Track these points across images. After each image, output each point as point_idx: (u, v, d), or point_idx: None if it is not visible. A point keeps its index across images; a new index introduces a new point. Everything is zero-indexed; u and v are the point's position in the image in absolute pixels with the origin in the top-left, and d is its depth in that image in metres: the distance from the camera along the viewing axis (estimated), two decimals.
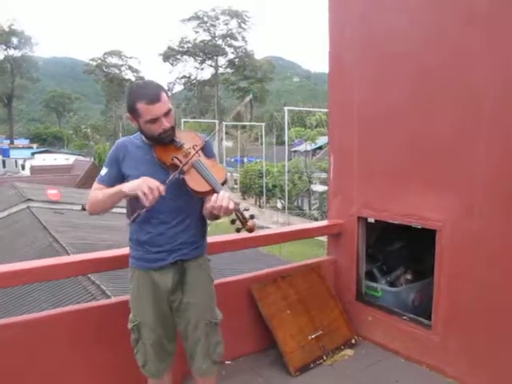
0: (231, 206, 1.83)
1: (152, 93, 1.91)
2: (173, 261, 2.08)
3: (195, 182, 1.95)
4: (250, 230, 1.86)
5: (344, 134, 3.50)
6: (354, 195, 3.43)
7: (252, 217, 1.86)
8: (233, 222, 1.88)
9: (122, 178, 2.07)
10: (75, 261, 2.64)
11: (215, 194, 1.87)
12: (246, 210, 1.86)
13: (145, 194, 1.84)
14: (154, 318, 2.11)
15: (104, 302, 3.11)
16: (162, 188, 1.88)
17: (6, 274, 2.35)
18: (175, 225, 2.07)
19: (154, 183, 1.87)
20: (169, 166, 1.99)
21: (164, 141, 2.00)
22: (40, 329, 2.47)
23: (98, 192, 2.06)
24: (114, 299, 3.03)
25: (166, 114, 1.95)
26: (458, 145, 2.74)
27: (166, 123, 1.95)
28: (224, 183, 1.97)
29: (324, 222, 3.91)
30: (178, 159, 1.98)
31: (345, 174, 3.52)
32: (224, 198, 1.83)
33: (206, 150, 2.11)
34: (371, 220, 3.36)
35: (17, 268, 2.40)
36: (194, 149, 2.01)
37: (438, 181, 2.86)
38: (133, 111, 1.96)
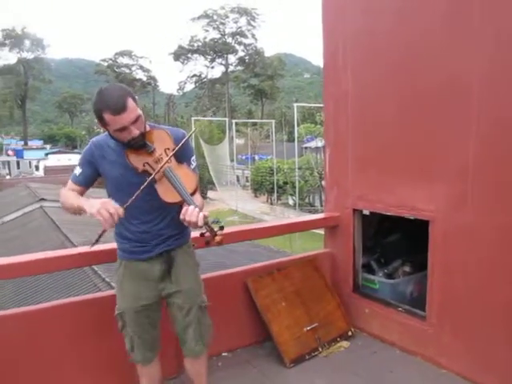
0: (200, 222, 1.82)
1: (118, 102, 1.84)
2: (159, 252, 2.13)
3: (165, 193, 1.94)
4: (219, 243, 1.86)
5: (339, 128, 3.52)
6: (349, 188, 3.44)
7: (222, 228, 1.87)
8: (202, 234, 1.88)
9: (95, 178, 2.10)
10: (75, 253, 2.70)
11: (184, 208, 1.87)
12: (214, 222, 1.87)
13: (103, 218, 1.82)
14: (136, 307, 2.14)
15: (104, 293, 3.17)
16: (121, 211, 1.86)
17: (17, 265, 2.45)
18: (157, 223, 2.11)
19: (113, 207, 1.84)
20: (141, 172, 1.98)
21: (134, 146, 1.97)
22: (41, 320, 2.54)
23: (70, 194, 2.06)
24: (113, 290, 3.08)
25: (135, 121, 1.90)
26: (449, 134, 2.73)
27: (134, 131, 1.91)
28: (194, 192, 1.96)
29: (321, 215, 3.93)
30: (149, 165, 1.97)
31: (340, 167, 3.53)
32: (192, 214, 1.83)
33: (181, 153, 2.05)
34: (366, 212, 3.37)
35: (26, 259, 2.51)
36: (165, 153, 1.99)
37: (430, 171, 2.87)
38: (100, 120, 1.91)
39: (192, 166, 2.11)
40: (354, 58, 3.30)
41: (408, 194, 3.00)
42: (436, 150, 2.82)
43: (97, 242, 2.01)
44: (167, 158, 1.97)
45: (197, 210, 1.85)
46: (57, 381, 2.55)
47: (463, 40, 2.61)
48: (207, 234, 1.88)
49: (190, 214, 1.84)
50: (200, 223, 1.83)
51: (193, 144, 2.38)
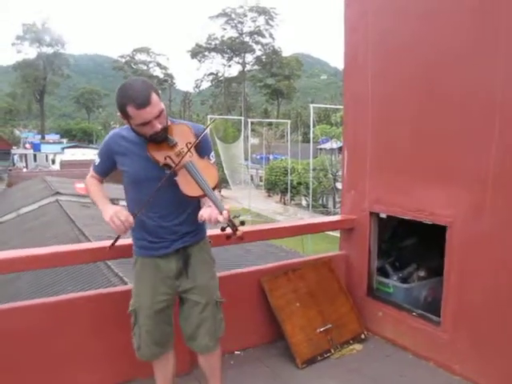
0: (220, 218, 1.83)
1: (142, 96, 1.85)
2: (175, 248, 2.14)
3: (186, 186, 1.94)
4: (240, 238, 1.86)
5: (358, 130, 3.51)
6: (366, 190, 3.43)
7: (242, 223, 1.86)
8: (223, 229, 1.87)
9: (113, 170, 2.15)
10: (92, 248, 2.74)
11: (205, 209, 1.90)
12: (236, 216, 1.87)
13: (115, 225, 1.92)
14: (151, 304, 2.15)
15: (120, 287, 3.20)
16: (130, 219, 1.94)
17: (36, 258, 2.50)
18: (175, 218, 2.12)
19: (124, 215, 1.93)
20: (162, 165, 1.99)
21: (156, 140, 1.98)
22: (60, 312, 2.59)
23: (93, 185, 2.18)
24: (130, 285, 3.11)
25: (158, 116, 1.91)
26: (470, 139, 2.71)
27: (157, 125, 1.92)
28: (216, 187, 1.97)
29: (337, 217, 3.93)
30: (171, 159, 1.97)
31: (358, 170, 3.52)
32: (212, 214, 1.85)
33: (201, 147, 2.07)
34: (383, 215, 3.36)
35: (45, 252, 2.56)
36: (187, 147, 1.99)
37: (449, 176, 2.84)
38: (123, 113, 1.92)
39: (211, 161, 2.11)
40: (376, 58, 3.29)
41: (426, 199, 2.98)
42: (456, 156, 2.80)
43: (113, 245, 2.10)
44: (187, 150, 1.98)
45: (216, 211, 1.85)
46: (73, 372, 2.59)
47: (489, 44, 2.58)
48: (228, 229, 1.86)
49: (209, 215, 1.86)
50: (221, 219, 1.83)
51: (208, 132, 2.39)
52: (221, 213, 1.82)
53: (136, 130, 2.00)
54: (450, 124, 2.81)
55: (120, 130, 2.13)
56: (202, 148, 2.09)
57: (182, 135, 2.04)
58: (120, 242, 2.15)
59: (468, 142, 2.72)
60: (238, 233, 1.85)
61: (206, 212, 1.90)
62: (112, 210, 1.95)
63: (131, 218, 1.95)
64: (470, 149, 2.72)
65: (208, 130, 2.30)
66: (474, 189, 2.71)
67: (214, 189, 1.94)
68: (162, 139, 1.99)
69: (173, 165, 1.96)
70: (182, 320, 2.26)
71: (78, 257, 2.69)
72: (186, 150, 1.98)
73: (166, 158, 1.98)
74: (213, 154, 2.18)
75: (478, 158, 2.67)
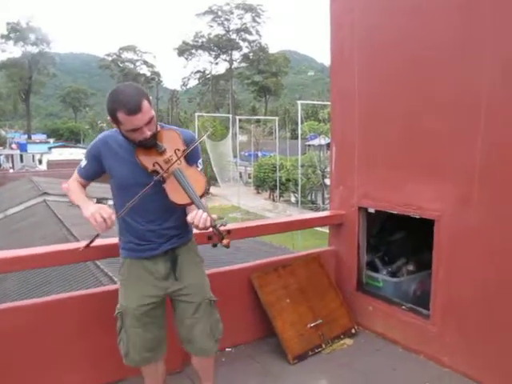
0: (208, 224, 1.85)
1: (133, 102, 1.83)
2: (163, 250, 2.13)
3: (174, 193, 1.94)
4: (226, 246, 1.87)
5: (346, 125, 3.52)
6: (354, 186, 3.45)
7: (229, 232, 1.88)
8: (210, 238, 1.90)
9: (100, 173, 2.12)
10: (75, 248, 2.70)
11: (194, 212, 1.89)
12: (222, 225, 1.87)
13: (97, 222, 1.88)
14: (137, 306, 2.11)
15: (109, 287, 3.18)
16: (113, 217, 1.91)
17: (22, 258, 2.48)
18: (163, 222, 2.11)
19: (107, 213, 1.89)
20: (151, 172, 1.98)
21: (145, 146, 1.97)
22: (48, 312, 2.56)
23: (74, 188, 2.12)
24: (117, 285, 3.09)
25: (148, 123, 1.90)
26: (456, 134, 2.74)
27: (147, 132, 1.91)
28: (203, 195, 1.96)
29: (326, 213, 3.95)
30: (159, 165, 1.97)
31: (346, 165, 3.53)
32: (201, 219, 1.85)
33: (190, 154, 2.07)
34: (371, 210, 3.38)
35: (31, 252, 2.53)
36: (175, 154, 1.99)
37: (436, 171, 2.87)
38: (113, 118, 1.90)
39: (198, 169, 2.11)
40: (362, 54, 3.30)
41: (414, 193, 3.01)
42: (443, 150, 2.82)
43: (89, 244, 2.08)
44: (177, 158, 1.97)
45: (205, 214, 1.86)
46: (61, 372, 2.57)
47: (476, 40, 2.60)
48: (215, 237, 1.88)
49: (198, 218, 1.85)
50: (208, 224, 1.85)
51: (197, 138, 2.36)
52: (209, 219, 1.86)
53: (125, 136, 1.98)
54: (437, 119, 2.83)
55: (109, 133, 2.10)
56: (191, 155, 2.08)
57: (171, 142, 2.04)
58: (107, 242, 2.14)
59: (454, 136, 2.75)
60: (224, 241, 1.87)
61: (196, 217, 1.88)
62: (94, 208, 1.92)
63: (114, 216, 1.92)
64: (456, 143, 2.74)
65: (196, 130, 2.30)
66: (460, 183, 2.74)
67: (201, 197, 1.94)
68: (151, 145, 1.98)
69: (161, 171, 1.96)
70: (178, 324, 2.24)
71: (63, 257, 2.66)
72: (174, 157, 1.98)
73: (154, 165, 1.97)
74: (201, 161, 2.17)
75: (464, 152, 2.70)
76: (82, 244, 2.21)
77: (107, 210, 1.91)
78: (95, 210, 1.89)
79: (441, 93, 2.80)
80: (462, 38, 2.67)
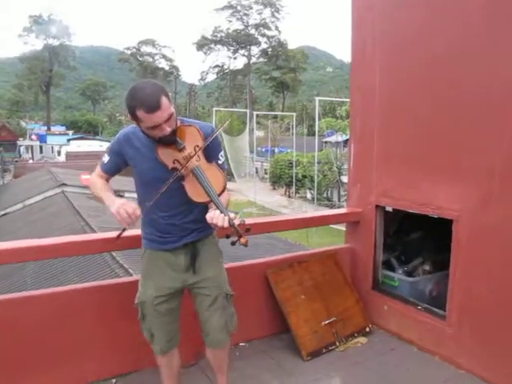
0: (225, 224, 1.85)
1: (152, 100, 1.84)
2: (184, 242, 2.15)
3: (193, 191, 1.96)
4: (244, 245, 1.87)
5: (365, 122, 3.49)
6: (372, 184, 3.42)
7: (248, 230, 1.87)
8: (227, 236, 1.89)
9: (122, 168, 2.14)
10: (95, 239, 2.75)
11: (212, 212, 1.89)
12: (242, 223, 1.87)
13: (121, 217, 1.91)
14: (156, 297, 2.15)
15: (127, 278, 3.22)
16: (138, 212, 1.93)
17: (39, 248, 2.52)
18: (184, 217, 2.13)
19: (131, 208, 1.91)
20: (170, 169, 1.99)
21: (165, 142, 1.98)
22: (67, 301, 2.61)
23: (97, 182, 2.15)
24: (135, 276, 3.13)
25: (167, 120, 1.91)
26: (480, 134, 2.69)
27: (166, 128, 1.92)
28: (221, 193, 1.96)
29: (343, 210, 3.93)
30: (179, 163, 1.98)
31: (365, 163, 3.50)
32: (219, 219, 1.85)
33: (210, 151, 2.06)
34: (389, 209, 3.35)
35: (49, 242, 2.58)
36: (195, 150, 1.99)
37: (456, 170, 2.83)
38: (133, 116, 1.91)
39: (220, 162, 2.12)
40: (384, 50, 3.26)
41: (432, 192, 2.97)
42: (463, 149, 2.78)
43: (119, 236, 2.10)
44: (194, 155, 1.98)
45: (222, 215, 1.86)
46: (79, 361, 2.61)
47: (501, 35, 2.55)
48: (233, 235, 1.88)
49: (216, 218, 1.86)
50: (226, 225, 1.85)
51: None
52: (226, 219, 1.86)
53: (145, 133, 2.00)
54: (459, 117, 2.79)
55: (131, 129, 2.12)
56: (211, 149, 2.08)
57: (191, 138, 2.03)
58: (128, 233, 2.16)
59: (477, 135, 2.70)
60: (242, 240, 1.86)
61: (215, 217, 1.89)
62: (118, 203, 1.95)
63: (138, 211, 1.95)
64: (478, 143, 2.70)
65: (214, 125, 2.30)
66: (480, 182, 2.70)
67: (219, 194, 1.94)
68: (170, 142, 1.99)
69: (179, 168, 1.97)
70: (197, 315, 2.27)
71: (84, 247, 2.71)
72: (193, 153, 1.98)
73: (174, 162, 1.99)
74: (222, 153, 2.17)
75: (485, 150, 2.65)
76: (113, 235, 2.24)
77: (131, 206, 1.93)
78: (120, 206, 1.91)
79: (464, 89, 2.75)
80: (486, 31, 2.62)
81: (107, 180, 2.19)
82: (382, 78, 3.28)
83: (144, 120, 1.89)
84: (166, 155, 2.00)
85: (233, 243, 1.89)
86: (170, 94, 1.98)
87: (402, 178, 3.19)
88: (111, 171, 2.16)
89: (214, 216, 1.87)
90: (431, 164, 2.98)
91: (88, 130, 73.79)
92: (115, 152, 2.11)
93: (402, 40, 3.15)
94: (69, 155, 37.02)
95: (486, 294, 2.72)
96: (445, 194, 2.89)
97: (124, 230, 2.06)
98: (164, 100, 1.87)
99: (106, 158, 2.13)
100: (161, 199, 1.98)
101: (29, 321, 2.48)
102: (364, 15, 3.43)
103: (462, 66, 2.76)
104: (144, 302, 2.18)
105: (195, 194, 1.96)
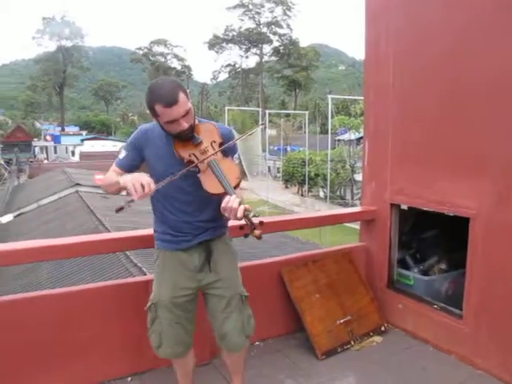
0: (239, 214, 1.84)
1: (170, 95, 1.88)
2: (198, 242, 2.14)
3: (208, 183, 1.97)
4: (258, 237, 1.86)
5: (379, 119, 3.46)
6: (387, 181, 3.39)
7: (261, 223, 1.87)
8: (241, 228, 1.89)
9: (139, 164, 2.12)
10: (108, 238, 2.77)
11: (227, 197, 1.88)
12: (255, 216, 1.87)
13: (135, 187, 1.83)
14: (172, 298, 2.14)
15: (143, 277, 3.23)
16: (153, 186, 1.86)
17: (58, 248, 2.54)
18: (199, 214, 2.13)
19: (146, 180, 1.86)
20: (187, 162, 2.01)
21: (182, 138, 2.01)
22: (81, 300, 2.63)
23: (112, 173, 2.09)
24: (149, 276, 3.14)
25: (185, 115, 1.94)
26: (496, 130, 2.65)
27: (184, 124, 1.95)
28: (237, 186, 1.98)
29: (357, 208, 3.90)
30: (195, 156, 2.00)
31: (379, 160, 3.47)
32: (234, 202, 1.85)
33: (226, 151, 2.09)
34: (404, 207, 3.32)
35: (62, 243, 2.59)
36: (211, 146, 2.03)
37: (473, 167, 2.79)
38: (152, 111, 1.95)
39: (234, 161, 2.12)
40: (397, 47, 3.23)
41: (448, 190, 2.94)
42: (480, 145, 2.74)
43: (122, 209, 1.91)
44: (214, 152, 2.00)
45: (238, 200, 1.87)
46: (94, 360, 2.63)
47: None
48: (247, 227, 1.88)
49: (232, 201, 1.86)
50: (239, 215, 1.84)
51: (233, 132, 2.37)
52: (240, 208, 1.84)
53: (164, 128, 2.02)
54: (475, 113, 2.75)
55: (149, 126, 2.15)
56: (228, 149, 2.10)
57: (208, 134, 2.07)
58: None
59: (493, 132, 2.66)
60: (257, 232, 1.85)
61: (230, 200, 1.87)
62: (135, 174, 1.91)
63: (153, 185, 1.88)
64: (494, 139, 2.66)
65: (226, 124, 2.30)
66: (498, 179, 2.66)
67: (235, 188, 1.96)
68: (188, 137, 2.01)
69: (196, 161, 1.99)
70: (211, 320, 2.25)
71: (97, 247, 2.72)
72: (210, 148, 2.02)
73: (190, 155, 2.01)
74: (237, 155, 2.18)
75: (502, 147, 2.62)
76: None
77: (147, 178, 1.88)
78: (135, 177, 1.87)
79: (481, 84, 2.71)
80: (502, 26, 2.58)
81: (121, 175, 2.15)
82: (396, 74, 3.25)
83: (162, 114, 1.92)
84: (183, 149, 2.02)
85: (246, 235, 1.90)
86: (188, 90, 2.00)
87: (417, 175, 3.16)
88: (127, 166, 2.11)
89: (229, 200, 1.87)
90: (447, 161, 2.95)
91: (101, 130, 74.29)
92: (133, 146, 2.12)
93: (417, 36, 3.11)
94: (83, 155, 37.37)
95: (504, 293, 2.68)
96: (461, 192, 2.86)
97: (131, 201, 1.88)
98: (181, 95, 1.91)
99: (122, 155, 2.14)
100: (175, 196, 2.00)
101: (43, 320, 2.50)
102: (378, 11, 3.40)
103: (478, 62, 2.72)
104: (157, 303, 2.16)
105: (210, 185, 1.97)
